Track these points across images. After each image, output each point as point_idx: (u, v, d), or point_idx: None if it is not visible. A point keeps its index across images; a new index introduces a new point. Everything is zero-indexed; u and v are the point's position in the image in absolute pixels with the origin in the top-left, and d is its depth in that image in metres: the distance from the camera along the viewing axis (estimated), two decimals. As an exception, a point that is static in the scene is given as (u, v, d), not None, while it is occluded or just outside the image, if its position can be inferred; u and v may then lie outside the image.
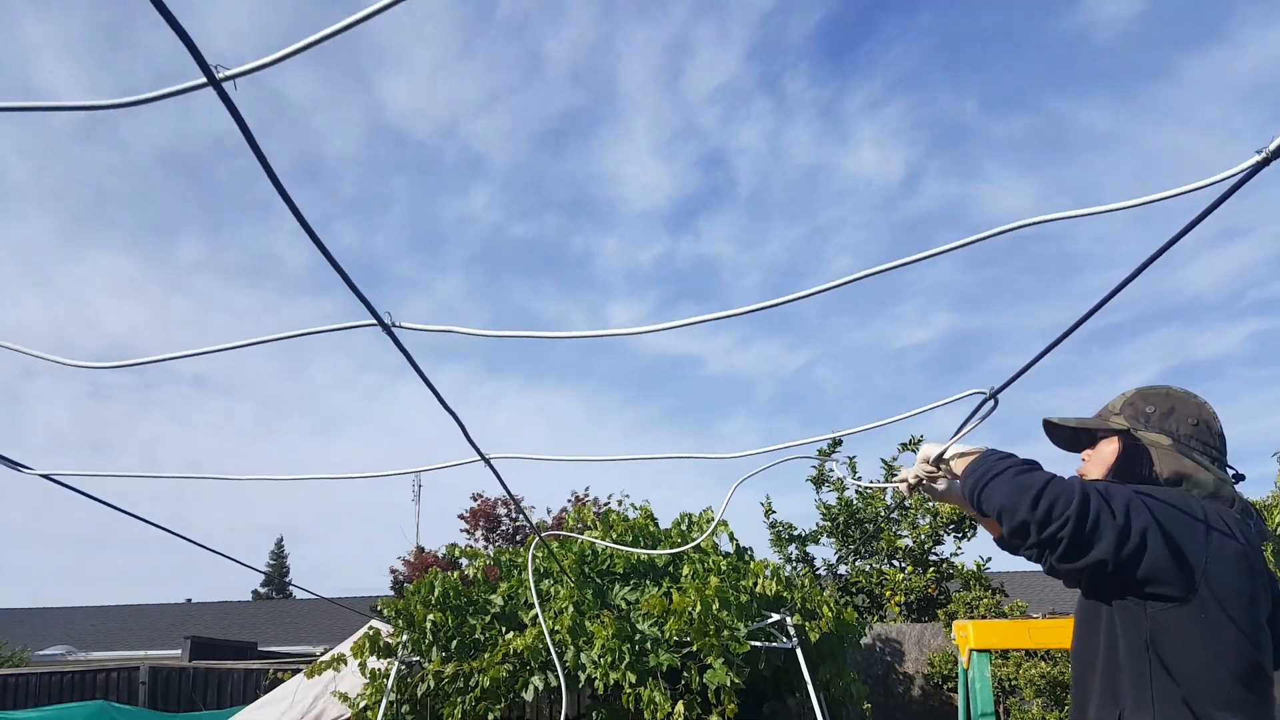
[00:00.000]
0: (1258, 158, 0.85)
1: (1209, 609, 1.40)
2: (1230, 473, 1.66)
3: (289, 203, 1.08)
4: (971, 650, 4.58)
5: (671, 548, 6.54)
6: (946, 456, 1.77)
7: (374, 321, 1.26)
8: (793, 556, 10.18)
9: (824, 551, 13.68)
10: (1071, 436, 1.85)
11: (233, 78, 0.90)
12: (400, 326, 1.26)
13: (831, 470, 10.00)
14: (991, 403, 1.68)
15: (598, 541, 6.30)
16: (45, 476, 1.76)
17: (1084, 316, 1.26)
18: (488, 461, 1.62)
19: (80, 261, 35.05)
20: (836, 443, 10.02)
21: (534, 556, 6.52)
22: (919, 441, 9.71)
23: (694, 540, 6.37)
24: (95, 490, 2.34)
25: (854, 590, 10.02)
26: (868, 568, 10.02)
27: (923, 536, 9.84)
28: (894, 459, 9.87)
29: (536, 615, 6.08)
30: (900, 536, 10.02)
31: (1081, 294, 34.32)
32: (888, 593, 9.68)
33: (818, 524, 10.09)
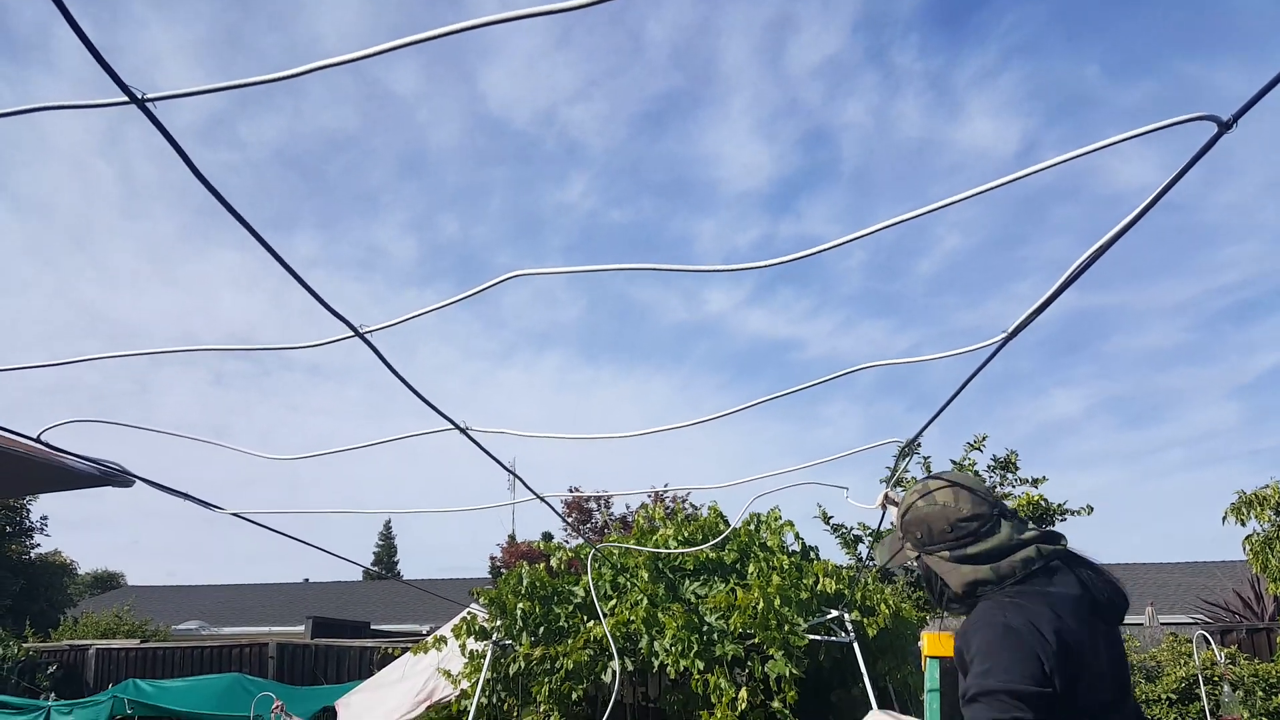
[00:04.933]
0: (1002, 336, 1.27)
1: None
2: (1031, 529, 1.81)
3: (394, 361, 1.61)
4: (926, 656, 5.37)
5: (740, 547, 7.03)
6: (888, 501, 2.24)
7: (451, 427, 1.80)
8: (863, 556, 10.51)
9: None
10: None
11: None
12: (473, 429, 1.80)
13: (908, 471, 10.29)
14: (910, 449, 2.12)
15: (632, 546, 6.84)
16: (236, 515, 2.37)
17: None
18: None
19: (203, 257, 37.60)
20: (915, 444, 10.29)
21: (612, 552, 7.11)
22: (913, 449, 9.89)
23: (726, 540, 6.83)
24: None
25: (931, 585, 10.30)
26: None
27: (997, 533, 10.06)
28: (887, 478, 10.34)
29: (613, 607, 6.68)
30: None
31: (1211, 268, 32.38)
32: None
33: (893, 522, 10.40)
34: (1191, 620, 12.46)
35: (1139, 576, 21.48)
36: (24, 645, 12.08)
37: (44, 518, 25.27)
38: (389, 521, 49.17)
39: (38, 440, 2.60)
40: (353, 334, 1.41)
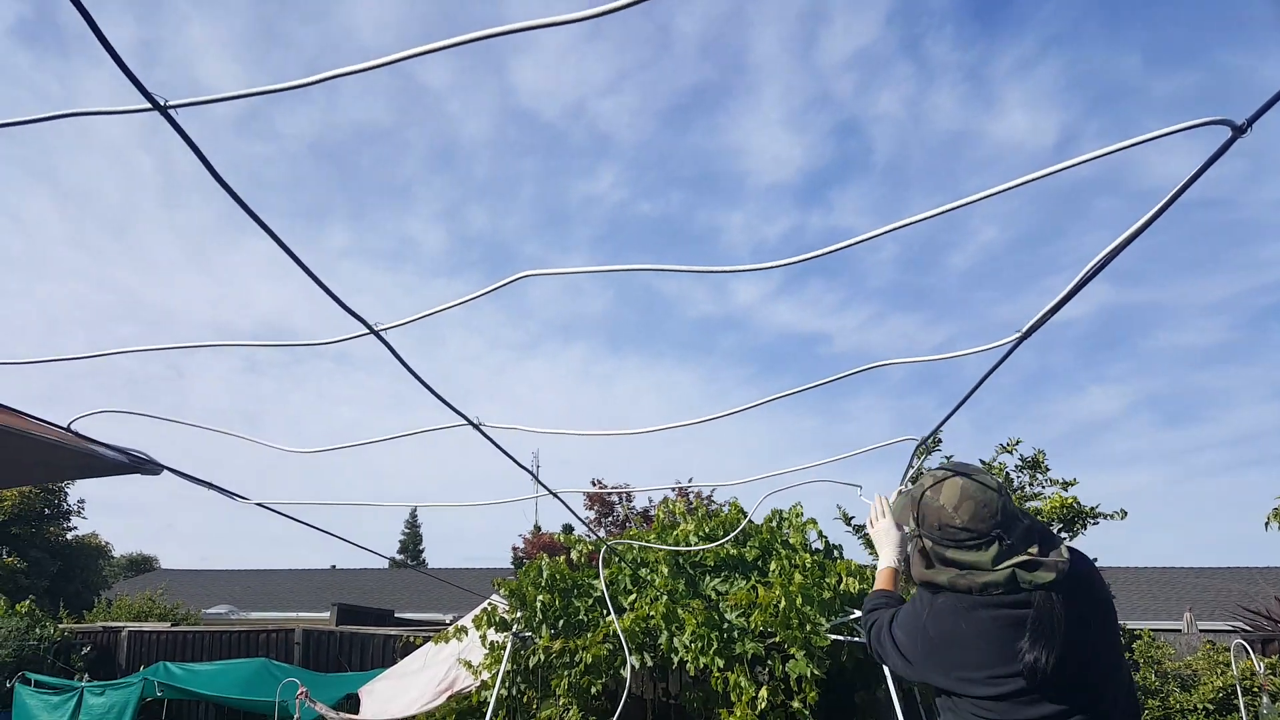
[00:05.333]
0: (1017, 335, 1.25)
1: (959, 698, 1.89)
2: (1029, 550, 1.84)
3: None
4: None
5: (761, 544, 7.00)
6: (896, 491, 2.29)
7: (464, 422, 1.80)
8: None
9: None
10: None
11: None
12: (485, 425, 1.80)
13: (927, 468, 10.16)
14: (925, 446, 2.11)
15: (648, 545, 6.83)
16: (261, 505, 2.40)
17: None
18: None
19: (237, 247, 38.12)
20: (936, 441, 10.17)
21: (631, 547, 7.12)
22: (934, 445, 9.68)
23: (737, 536, 6.80)
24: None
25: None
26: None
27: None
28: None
29: (633, 601, 6.68)
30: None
31: (1255, 265, 31.63)
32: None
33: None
34: (1231, 628, 12.21)
35: (1177, 580, 21.11)
36: (59, 626, 12.35)
37: (81, 501, 25.84)
38: (415, 509, 49.64)
39: (68, 430, 2.64)
40: (368, 332, 1.42)
